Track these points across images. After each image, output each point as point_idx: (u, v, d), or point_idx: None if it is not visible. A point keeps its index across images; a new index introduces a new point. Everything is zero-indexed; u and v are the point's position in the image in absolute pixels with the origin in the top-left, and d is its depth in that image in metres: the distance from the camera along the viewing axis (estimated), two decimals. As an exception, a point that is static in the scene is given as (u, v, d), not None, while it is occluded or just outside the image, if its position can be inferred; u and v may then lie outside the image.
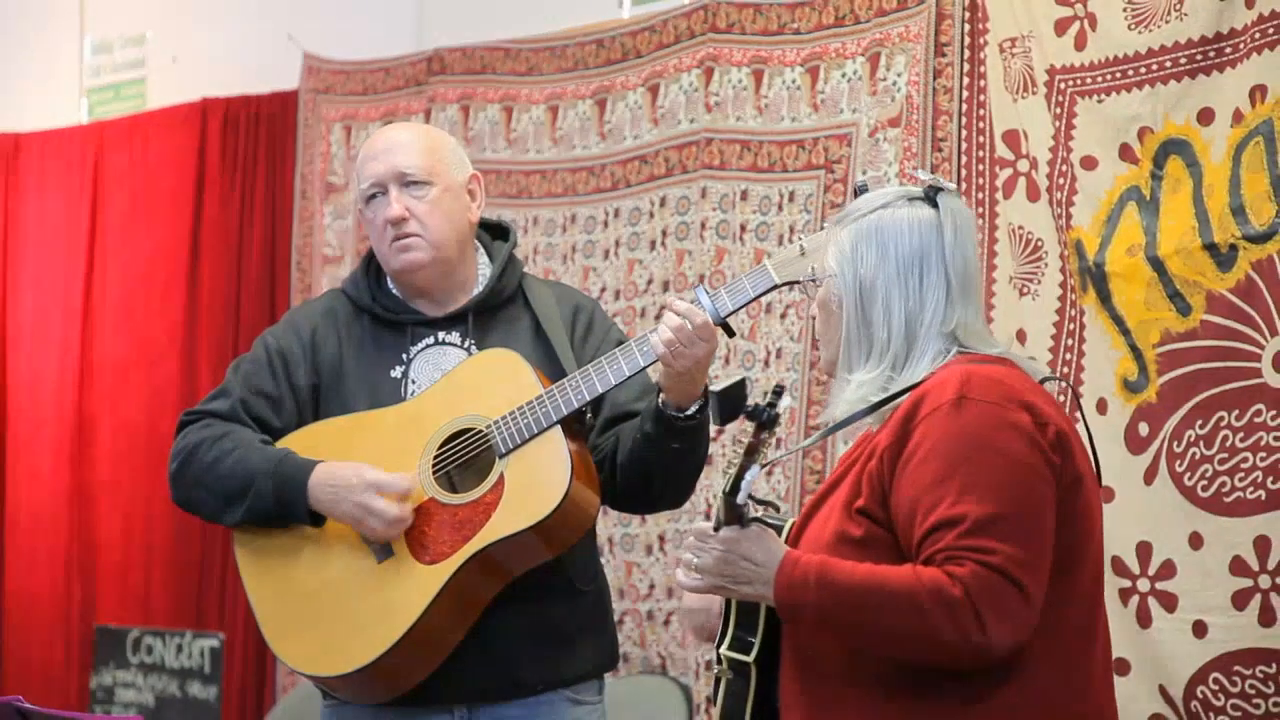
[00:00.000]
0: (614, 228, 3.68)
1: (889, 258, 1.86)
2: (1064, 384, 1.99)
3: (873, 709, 1.79)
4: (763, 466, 1.78)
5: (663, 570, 3.54)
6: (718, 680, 1.92)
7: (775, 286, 2.25)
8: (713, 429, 2.35)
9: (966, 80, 3.06)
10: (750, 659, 1.88)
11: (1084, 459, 1.83)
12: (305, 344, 2.38)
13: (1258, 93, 2.60)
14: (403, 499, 2.25)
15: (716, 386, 1.80)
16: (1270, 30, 2.59)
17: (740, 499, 1.79)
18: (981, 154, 3.04)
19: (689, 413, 2.25)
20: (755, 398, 1.83)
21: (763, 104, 3.40)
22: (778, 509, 1.95)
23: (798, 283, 2.21)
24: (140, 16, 4.90)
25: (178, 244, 4.62)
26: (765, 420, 1.75)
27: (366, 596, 2.27)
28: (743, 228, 3.42)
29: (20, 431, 4.89)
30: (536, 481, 2.24)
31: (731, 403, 1.80)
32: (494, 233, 2.47)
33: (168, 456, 2.39)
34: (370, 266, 2.43)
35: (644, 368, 2.27)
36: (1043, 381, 1.89)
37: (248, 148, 4.50)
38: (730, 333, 2.28)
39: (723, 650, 1.91)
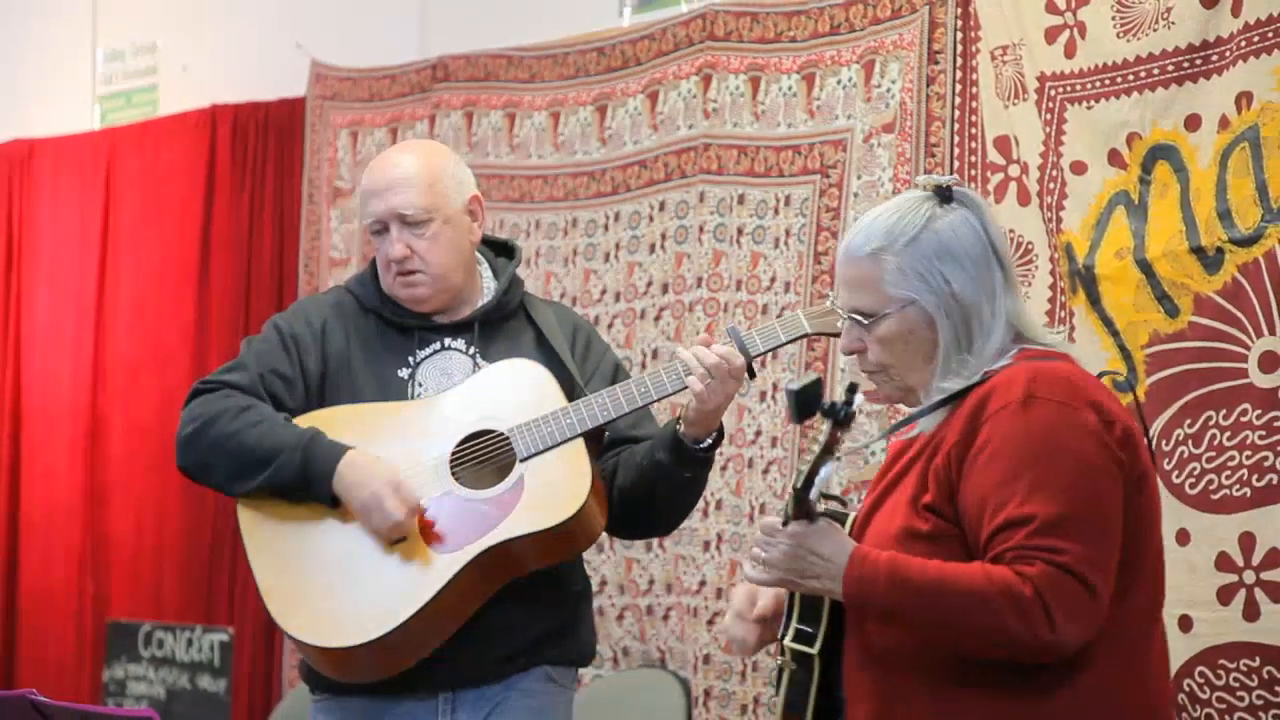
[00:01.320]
0: (614, 231, 3.71)
1: (966, 268, 1.84)
2: (1115, 374, 1.99)
3: (943, 700, 1.81)
4: (837, 459, 1.80)
5: (662, 566, 3.56)
6: (780, 671, 1.94)
7: (805, 335, 2.33)
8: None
9: (959, 87, 3.09)
10: (814, 651, 1.90)
11: (1148, 455, 1.84)
12: (315, 332, 2.42)
13: (1243, 99, 2.62)
14: (412, 511, 2.29)
15: (794, 385, 1.79)
16: (1255, 38, 2.61)
17: (813, 494, 1.80)
18: (973, 159, 3.07)
19: (704, 445, 2.32)
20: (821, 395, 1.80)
21: (760, 110, 3.42)
22: (844, 503, 1.96)
23: (832, 335, 2.26)
24: (151, 25, 4.93)
25: (188, 247, 4.66)
26: (842, 418, 1.76)
27: (377, 576, 2.30)
28: (740, 231, 3.45)
29: (34, 431, 4.92)
30: (556, 488, 2.29)
31: (807, 401, 1.78)
32: (498, 249, 2.52)
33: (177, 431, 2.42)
34: (378, 271, 2.47)
35: (671, 394, 2.33)
36: (1099, 376, 1.90)
37: (256, 153, 4.54)
38: (752, 374, 2.33)
39: (786, 642, 1.92)
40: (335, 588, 2.32)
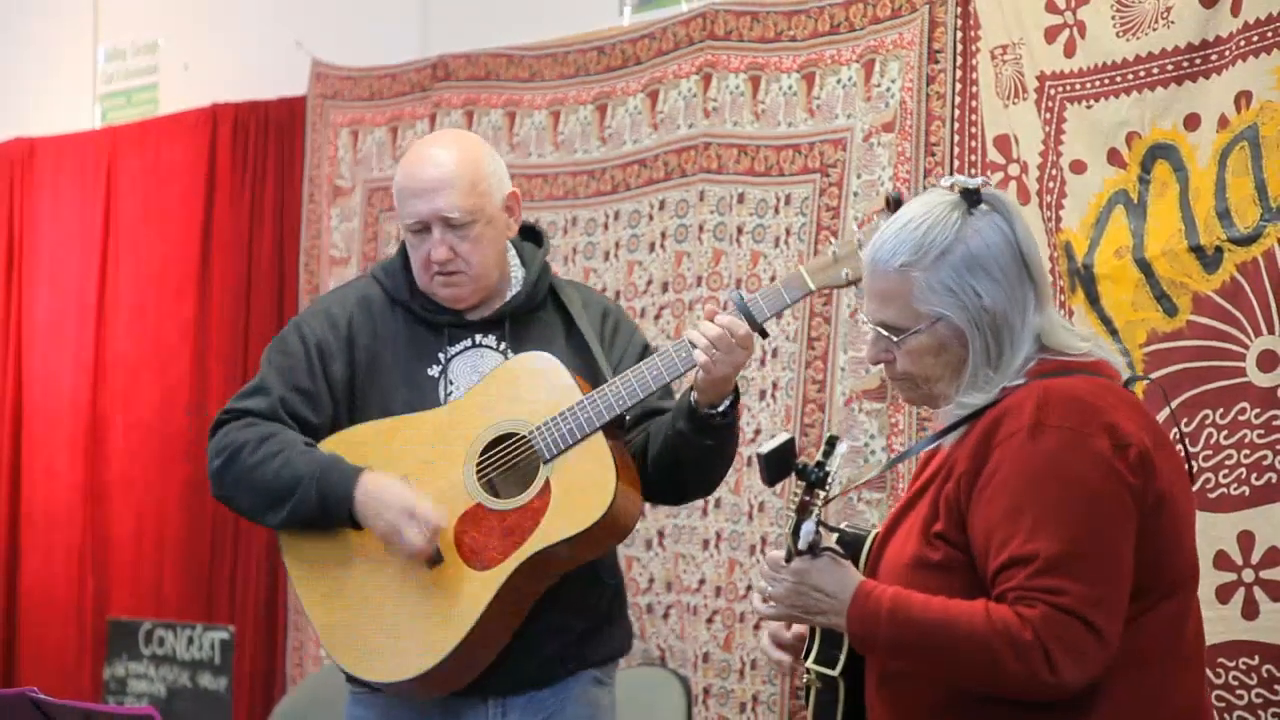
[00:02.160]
0: (614, 230, 3.72)
1: (997, 278, 1.81)
2: (1144, 379, 1.96)
3: None
4: (820, 515, 1.80)
5: (662, 565, 3.57)
6: (808, 689, 1.95)
7: (810, 293, 2.32)
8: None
9: (959, 86, 3.09)
10: (836, 673, 1.91)
11: (1172, 471, 1.81)
12: (342, 335, 2.41)
13: (1243, 98, 2.63)
14: (432, 536, 2.29)
15: (764, 449, 1.77)
16: (1254, 38, 2.62)
17: (801, 545, 1.81)
18: (973, 158, 3.08)
19: (720, 410, 2.32)
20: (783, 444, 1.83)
21: (760, 109, 3.43)
22: (844, 534, 1.95)
23: (837, 287, 2.26)
24: (152, 24, 4.94)
25: (189, 246, 4.67)
26: (814, 480, 1.76)
27: (421, 603, 2.30)
28: (740, 230, 3.45)
29: (35, 429, 4.93)
30: (583, 487, 2.29)
31: (779, 463, 1.78)
32: (524, 233, 2.51)
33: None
34: (406, 260, 2.45)
35: (683, 373, 2.33)
36: (1128, 382, 1.86)
37: (257, 152, 4.55)
38: (764, 334, 2.33)
39: (809, 663, 1.93)
40: (381, 621, 2.32)
